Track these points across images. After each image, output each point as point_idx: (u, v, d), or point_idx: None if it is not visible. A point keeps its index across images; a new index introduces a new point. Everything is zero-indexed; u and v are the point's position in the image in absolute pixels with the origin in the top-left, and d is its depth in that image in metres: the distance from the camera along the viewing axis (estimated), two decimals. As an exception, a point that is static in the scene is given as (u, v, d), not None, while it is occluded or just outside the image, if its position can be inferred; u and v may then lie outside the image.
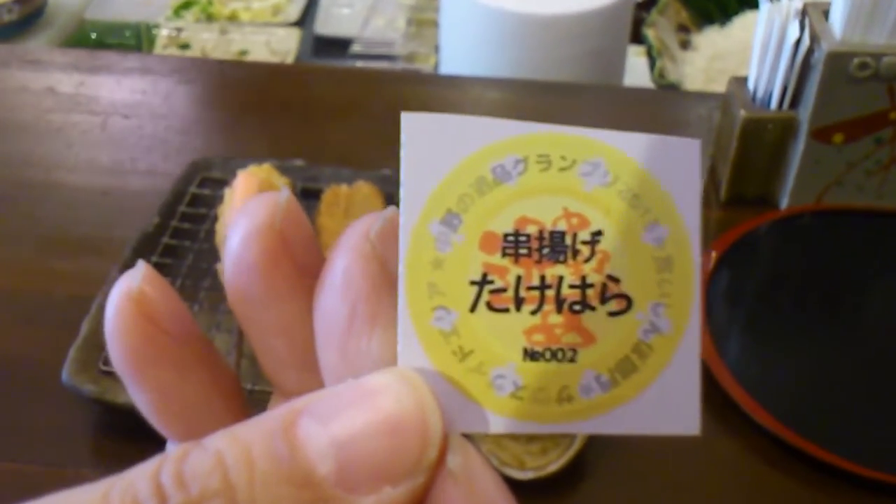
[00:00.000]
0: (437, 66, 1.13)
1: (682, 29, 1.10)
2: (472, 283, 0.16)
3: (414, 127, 0.16)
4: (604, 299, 0.17)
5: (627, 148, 0.17)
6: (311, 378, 0.17)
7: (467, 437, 0.16)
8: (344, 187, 0.69)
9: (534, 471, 0.55)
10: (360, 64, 1.18)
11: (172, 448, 0.17)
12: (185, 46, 1.25)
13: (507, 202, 0.16)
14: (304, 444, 0.15)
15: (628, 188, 0.17)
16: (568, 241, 0.17)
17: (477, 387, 0.16)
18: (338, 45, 1.24)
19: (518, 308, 0.16)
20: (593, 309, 0.17)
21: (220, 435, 0.15)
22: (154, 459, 0.15)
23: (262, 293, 0.17)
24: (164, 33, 1.26)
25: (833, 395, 0.61)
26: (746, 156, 0.73)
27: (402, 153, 0.16)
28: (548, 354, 0.16)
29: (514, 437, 0.57)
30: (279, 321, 0.18)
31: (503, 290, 0.16)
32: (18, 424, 0.58)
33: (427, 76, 1.07)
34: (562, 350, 0.16)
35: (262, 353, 0.19)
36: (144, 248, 0.67)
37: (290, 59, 1.19)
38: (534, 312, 0.17)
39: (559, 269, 0.16)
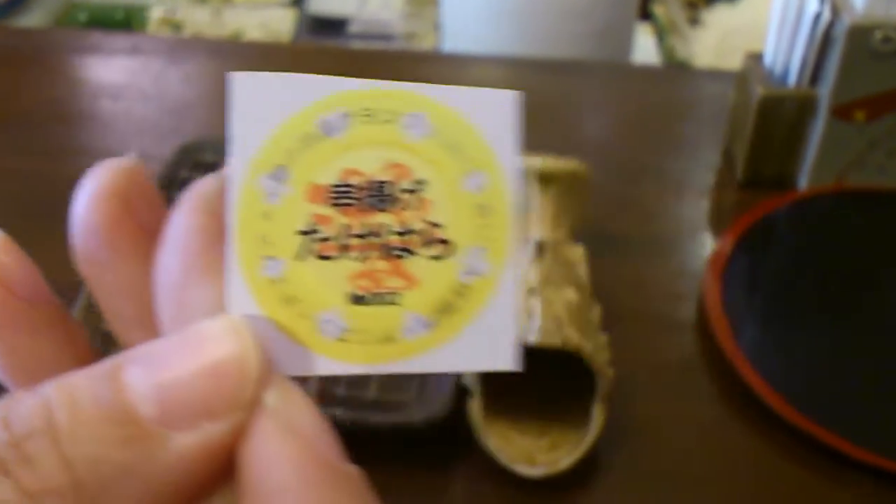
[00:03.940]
0: (436, 45, 1.10)
1: (692, 6, 1.07)
2: (300, 232, 0.17)
3: (242, 86, 0.18)
4: (426, 244, 0.17)
5: (448, 100, 0.17)
6: (155, 335, 0.17)
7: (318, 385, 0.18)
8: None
9: (544, 467, 0.52)
10: (357, 44, 1.15)
11: None
12: (178, 27, 1.21)
13: (332, 155, 0.17)
14: (127, 387, 0.15)
15: (449, 139, 0.17)
16: (391, 190, 0.17)
17: (304, 331, 0.17)
18: (334, 26, 1.21)
19: (344, 255, 0.17)
20: (415, 254, 0.17)
21: (50, 382, 0.16)
22: None
23: (106, 255, 0.18)
24: (156, 14, 1.23)
25: (857, 385, 0.58)
26: (763, 135, 0.70)
27: (230, 111, 0.17)
28: (372, 298, 0.17)
29: (523, 432, 0.54)
30: (124, 282, 0.19)
31: (329, 238, 0.17)
32: None
33: (428, 55, 1.04)
34: (385, 294, 0.17)
35: (109, 312, 0.19)
36: (134, 236, 0.64)
37: (284, 40, 1.16)
38: (360, 259, 0.17)
39: (383, 217, 0.17)
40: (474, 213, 0.17)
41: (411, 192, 0.17)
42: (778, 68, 0.71)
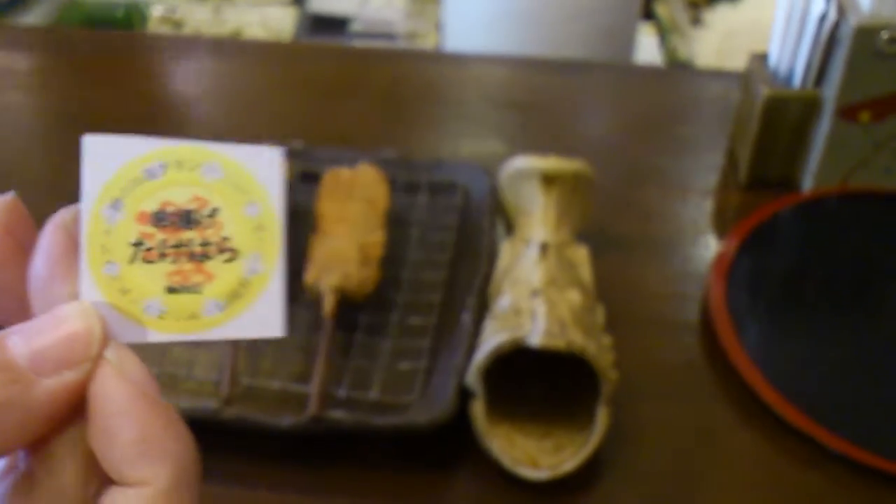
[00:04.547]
0: (438, 43, 1.10)
1: (694, 5, 1.07)
2: (131, 244, 0.24)
3: (91, 144, 0.24)
4: (219, 252, 0.25)
5: (234, 154, 0.25)
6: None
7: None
8: (345, 170, 0.66)
9: (548, 470, 0.52)
10: (358, 42, 1.15)
11: None
12: (178, 25, 1.21)
13: (154, 191, 0.25)
14: (8, 348, 0.23)
15: (235, 180, 0.25)
16: (195, 215, 0.25)
17: (135, 312, 0.24)
18: (335, 24, 1.20)
19: (162, 260, 0.24)
20: (212, 258, 0.25)
21: None
22: None
23: None
24: (157, 12, 1.22)
25: (863, 387, 0.58)
26: (768, 136, 0.70)
27: (82, 161, 0.24)
28: (182, 289, 0.24)
29: (526, 434, 0.54)
30: (6, 283, 0.25)
31: (152, 248, 0.24)
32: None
33: (430, 54, 1.04)
34: (191, 286, 0.24)
35: None
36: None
37: (285, 38, 1.15)
38: (173, 262, 0.24)
39: (190, 234, 0.25)
40: (253, 230, 0.25)
41: (209, 216, 0.25)
42: (783, 69, 0.70)
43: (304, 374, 0.56)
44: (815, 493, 0.53)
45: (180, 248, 0.24)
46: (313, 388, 0.53)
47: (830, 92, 0.67)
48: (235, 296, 0.24)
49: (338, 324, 0.57)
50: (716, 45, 1.07)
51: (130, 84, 0.86)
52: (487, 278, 0.60)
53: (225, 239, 0.25)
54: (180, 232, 0.24)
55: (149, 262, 0.24)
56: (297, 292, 0.60)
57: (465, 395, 0.53)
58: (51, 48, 0.91)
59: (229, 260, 0.24)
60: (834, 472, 0.53)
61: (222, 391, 0.53)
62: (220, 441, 0.54)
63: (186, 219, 0.24)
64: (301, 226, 0.63)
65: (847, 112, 0.67)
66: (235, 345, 0.55)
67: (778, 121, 0.69)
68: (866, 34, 0.64)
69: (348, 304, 0.59)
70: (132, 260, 0.24)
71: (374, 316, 0.60)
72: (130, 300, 0.24)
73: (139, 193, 0.24)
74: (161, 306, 0.24)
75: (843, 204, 0.70)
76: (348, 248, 0.59)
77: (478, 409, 0.52)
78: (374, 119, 0.83)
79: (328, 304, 0.57)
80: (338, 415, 0.52)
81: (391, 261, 0.63)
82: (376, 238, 0.61)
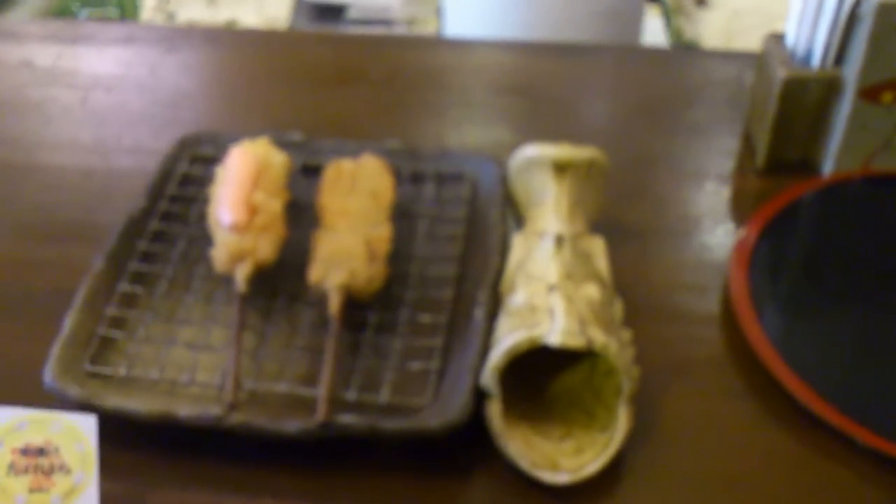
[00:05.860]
0: (438, 29, 1.07)
1: (700, -15, 1.04)
2: (7, 466, 0.40)
3: None
4: (60, 469, 0.40)
5: (69, 418, 0.41)
6: None
7: None
8: (347, 162, 0.63)
9: (569, 473, 0.50)
10: (356, 29, 1.12)
11: None
12: (171, 14, 1.18)
13: (22, 437, 0.40)
14: None
15: (69, 431, 0.41)
16: (46, 450, 0.41)
17: (9, 502, 0.40)
18: (332, 11, 1.18)
19: (26, 474, 0.40)
20: (55, 473, 0.41)
21: None
22: None
23: None
24: (150, 2, 1.20)
25: (891, 378, 0.56)
26: (786, 119, 0.68)
27: None
28: (37, 490, 0.41)
29: (545, 436, 0.52)
30: None
31: (19, 468, 0.40)
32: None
33: (431, 40, 1.01)
34: (43, 488, 0.41)
35: None
36: (131, 234, 0.62)
37: (281, 27, 1.13)
38: (32, 475, 0.40)
39: (43, 460, 0.40)
40: (79, 458, 0.40)
41: (54, 450, 0.40)
42: (801, 49, 0.68)
43: (310, 377, 0.54)
44: (844, 488, 0.51)
45: (37, 468, 0.40)
46: (321, 392, 0.51)
47: (851, 72, 0.65)
48: (69, 494, 0.40)
49: (345, 323, 0.55)
50: (721, 25, 1.04)
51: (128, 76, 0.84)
52: (499, 273, 0.58)
53: (63, 463, 0.40)
54: (36, 459, 0.40)
55: (17, 475, 0.40)
56: (301, 291, 0.58)
57: (480, 395, 0.50)
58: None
59: (65, 474, 0.40)
60: (863, 465, 0.52)
61: (226, 396, 0.51)
62: (222, 447, 0.52)
63: (40, 452, 0.40)
64: (303, 221, 0.61)
65: (869, 92, 0.65)
66: (237, 342, 0.53)
67: (797, 103, 0.67)
68: (889, 11, 0.62)
69: (355, 303, 0.57)
70: (7, 474, 0.40)
71: (383, 314, 0.58)
72: (8, 496, 0.39)
73: (13, 438, 0.40)
74: (25, 500, 0.40)
75: (866, 187, 0.68)
76: (354, 244, 0.57)
77: (494, 410, 0.50)
78: (375, 108, 0.80)
79: (335, 302, 0.54)
80: (347, 419, 0.50)
81: (398, 256, 0.60)
82: (383, 232, 0.58)
